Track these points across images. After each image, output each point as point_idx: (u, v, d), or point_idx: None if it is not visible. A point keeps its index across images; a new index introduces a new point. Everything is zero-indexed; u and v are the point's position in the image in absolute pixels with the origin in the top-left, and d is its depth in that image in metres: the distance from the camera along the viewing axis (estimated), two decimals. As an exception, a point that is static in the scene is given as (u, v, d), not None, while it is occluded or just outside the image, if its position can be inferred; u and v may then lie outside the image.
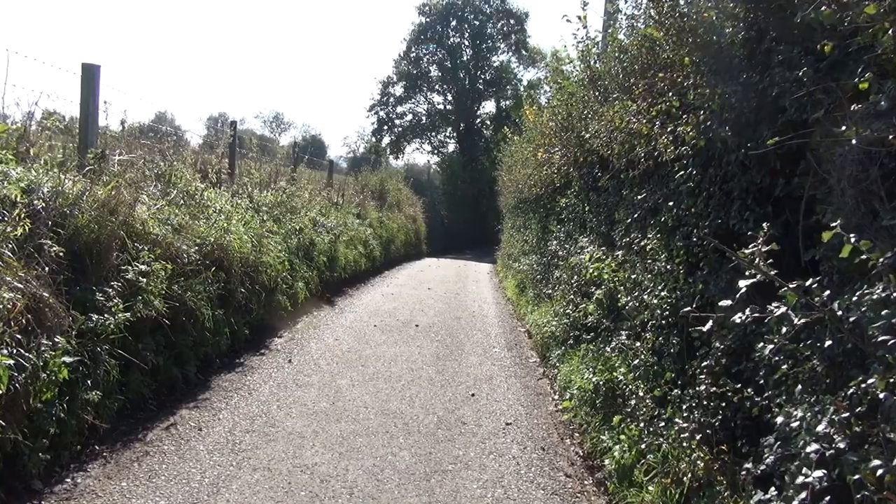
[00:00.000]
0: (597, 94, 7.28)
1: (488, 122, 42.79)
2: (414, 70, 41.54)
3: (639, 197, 5.49)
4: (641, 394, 4.67)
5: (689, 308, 3.71)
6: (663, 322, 4.52)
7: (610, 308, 5.51)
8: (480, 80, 41.97)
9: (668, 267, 4.52)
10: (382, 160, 25.98)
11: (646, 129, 4.92)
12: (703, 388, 3.76)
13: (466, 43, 41.54)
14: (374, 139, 42.48)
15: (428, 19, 40.91)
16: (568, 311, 7.22)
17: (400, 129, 42.94)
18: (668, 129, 4.59)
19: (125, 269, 4.91)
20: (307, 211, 11.46)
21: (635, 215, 5.70)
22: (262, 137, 59.97)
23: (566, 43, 8.55)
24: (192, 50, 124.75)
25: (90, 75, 6.64)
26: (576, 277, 7.19)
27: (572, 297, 7.16)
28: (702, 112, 4.14)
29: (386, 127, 42.90)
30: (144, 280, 4.99)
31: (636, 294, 4.93)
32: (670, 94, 4.53)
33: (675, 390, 4.02)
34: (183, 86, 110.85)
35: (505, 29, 41.76)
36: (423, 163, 45.36)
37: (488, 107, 43.54)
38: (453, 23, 41.12)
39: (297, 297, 9.17)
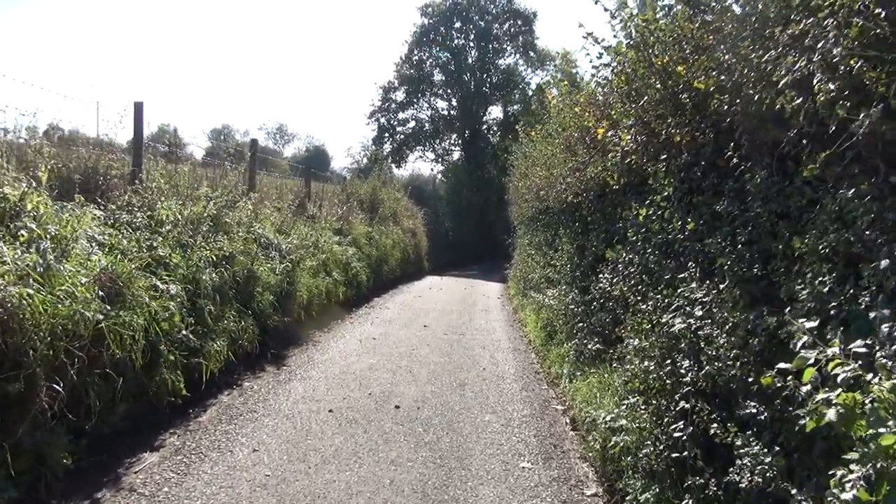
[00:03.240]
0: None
1: (495, 128, 39.31)
2: (416, 74, 38.08)
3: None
4: None
5: None
6: None
7: None
8: (486, 84, 38.50)
9: None
10: (377, 168, 22.39)
11: None
12: None
13: (471, 45, 38.10)
14: (374, 147, 38.95)
15: (431, 20, 37.50)
16: (673, 422, 3.65)
17: (402, 136, 39.47)
18: None
19: None
20: (248, 228, 7.95)
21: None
22: (263, 149, 57.13)
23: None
24: (197, 63, 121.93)
25: None
26: (688, 361, 3.62)
27: (682, 399, 3.59)
28: None
29: (387, 134, 39.44)
30: None
31: None
32: None
33: None
34: (188, 99, 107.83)
35: (512, 30, 38.32)
36: (429, 173, 41.94)
37: (495, 112, 40.13)
38: (457, 24, 37.70)
39: (205, 370, 5.63)
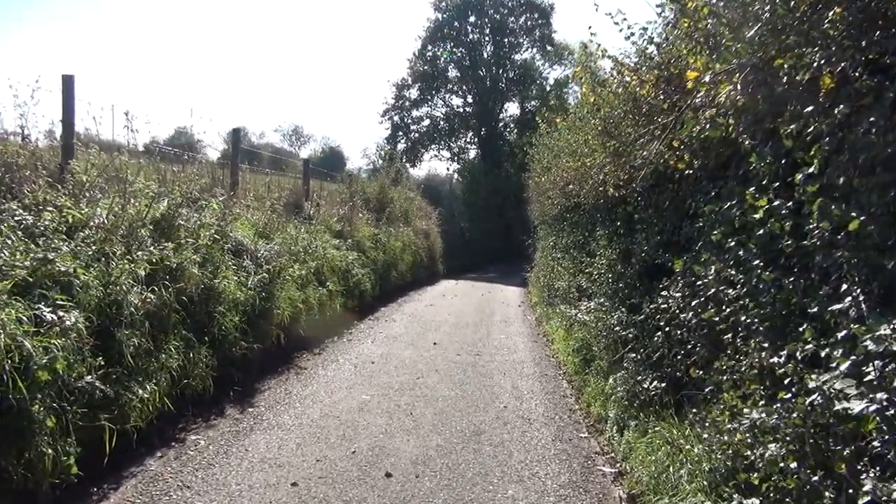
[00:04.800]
0: None
1: (512, 125, 37.54)
2: (430, 70, 36.41)
3: None
4: None
5: None
6: None
7: None
8: (503, 80, 36.72)
9: None
10: (385, 165, 20.75)
11: None
12: None
13: (486, 39, 36.34)
14: (387, 146, 37.26)
15: (445, 15, 35.78)
16: None
17: (416, 134, 37.82)
18: None
19: None
20: (217, 232, 6.34)
21: None
22: (278, 150, 55.61)
23: None
24: (212, 65, 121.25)
25: None
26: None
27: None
28: None
29: (401, 133, 37.83)
30: None
31: None
32: None
33: None
34: (204, 102, 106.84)
35: (528, 23, 36.51)
36: (445, 172, 40.18)
37: (512, 109, 38.33)
38: (472, 18, 35.94)
39: (107, 434, 4.02)
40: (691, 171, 4.12)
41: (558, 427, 5.52)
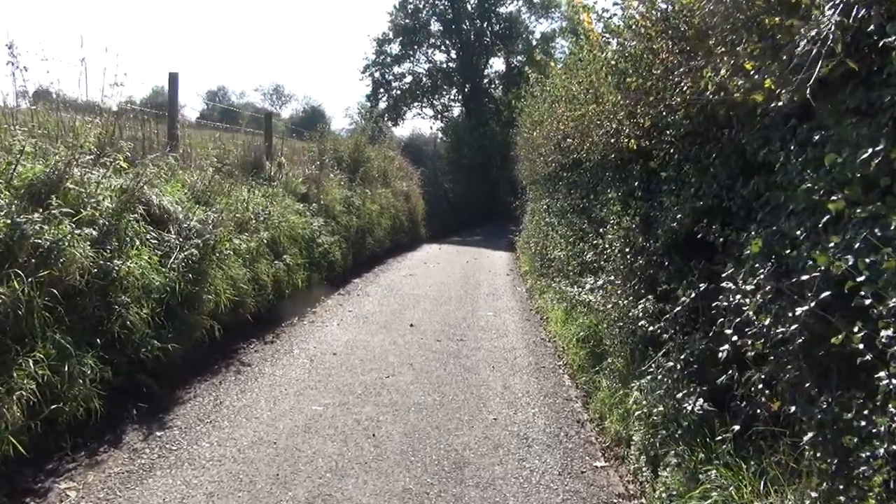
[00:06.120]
0: None
1: (497, 82, 35.69)
2: (412, 23, 34.23)
3: None
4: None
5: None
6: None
7: None
8: (487, 34, 34.67)
9: None
10: (361, 121, 19.12)
11: None
12: None
13: (470, -10, 34.19)
14: (369, 103, 35.26)
15: (427, -36, 33.51)
16: None
17: (398, 91, 35.81)
18: None
19: None
20: (131, 197, 4.84)
21: None
22: (259, 111, 53.14)
23: None
24: (191, 22, 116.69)
25: None
26: None
27: None
28: None
29: (382, 90, 35.79)
30: None
31: None
32: None
33: None
34: (183, 62, 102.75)
35: (514, -27, 34.40)
36: (429, 132, 38.19)
37: (497, 65, 36.41)
38: (455, -32, 33.73)
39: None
40: (777, 104, 2.69)
41: (565, 451, 4.18)
